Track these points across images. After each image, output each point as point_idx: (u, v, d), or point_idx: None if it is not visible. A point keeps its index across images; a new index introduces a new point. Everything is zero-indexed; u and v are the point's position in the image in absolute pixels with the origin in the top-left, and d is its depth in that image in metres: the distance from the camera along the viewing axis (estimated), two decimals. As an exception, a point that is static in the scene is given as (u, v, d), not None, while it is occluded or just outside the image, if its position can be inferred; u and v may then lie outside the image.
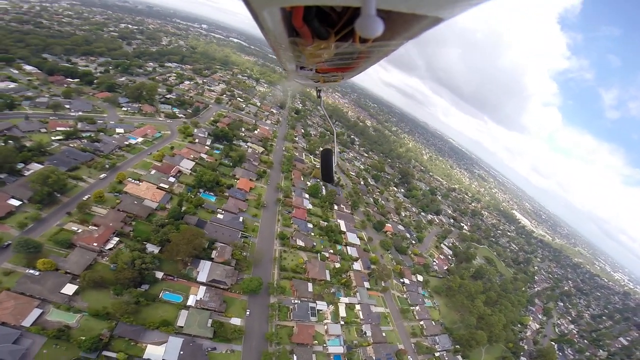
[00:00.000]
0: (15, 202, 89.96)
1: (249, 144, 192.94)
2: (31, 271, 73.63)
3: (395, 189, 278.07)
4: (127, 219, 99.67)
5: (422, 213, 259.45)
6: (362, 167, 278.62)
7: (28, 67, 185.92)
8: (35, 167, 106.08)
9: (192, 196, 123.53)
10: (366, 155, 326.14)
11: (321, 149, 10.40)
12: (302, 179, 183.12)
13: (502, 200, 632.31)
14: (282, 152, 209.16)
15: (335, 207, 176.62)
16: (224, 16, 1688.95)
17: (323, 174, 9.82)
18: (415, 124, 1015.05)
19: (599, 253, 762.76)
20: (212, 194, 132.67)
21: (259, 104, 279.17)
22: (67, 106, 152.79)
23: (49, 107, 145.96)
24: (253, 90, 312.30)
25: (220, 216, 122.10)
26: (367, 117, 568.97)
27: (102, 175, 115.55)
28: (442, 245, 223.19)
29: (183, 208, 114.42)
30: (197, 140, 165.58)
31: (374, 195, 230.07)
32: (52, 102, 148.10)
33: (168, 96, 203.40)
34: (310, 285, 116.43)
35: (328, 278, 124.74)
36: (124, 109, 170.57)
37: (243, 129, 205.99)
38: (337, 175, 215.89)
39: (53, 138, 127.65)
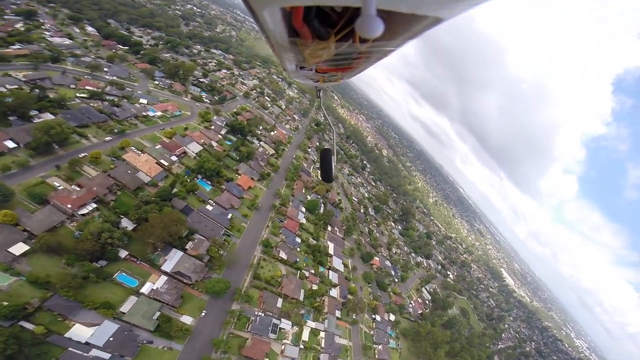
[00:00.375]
0: (10, 144, 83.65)
1: (262, 143, 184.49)
2: (-14, 220, 65.53)
3: (393, 224, 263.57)
4: (114, 187, 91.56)
5: (413, 254, 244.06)
6: (366, 194, 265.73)
7: (90, 29, 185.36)
8: (47, 117, 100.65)
9: (188, 180, 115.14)
10: (373, 184, 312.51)
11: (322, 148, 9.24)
12: (304, 191, 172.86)
13: (493, 257, 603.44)
14: (292, 159, 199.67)
15: (329, 228, 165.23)
16: None
17: (322, 174, 9.12)
18: (430, 164, 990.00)
19: (570, 320, 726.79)
20: (209, 183, 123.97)
21: (283, 106, 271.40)
22: (106, 69, 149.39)
23: (89, 66, 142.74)
24: (282, 92, 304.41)
25: (209, 207, 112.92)
26: (385, 146, 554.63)
27: (108, 138, 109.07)
28: (423, 289, 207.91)
29: (174, 190, 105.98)
30: (212, 127, 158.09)
31: (370, 226, 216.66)
32: (93, 63, 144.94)
33: (202, 80, 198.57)
34: (280, 300, 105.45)
35: (301, 298, 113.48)
36: (156, 82, 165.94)
37: (261, 127, 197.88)
38: (339, 198, 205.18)
39: (77, 95, 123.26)
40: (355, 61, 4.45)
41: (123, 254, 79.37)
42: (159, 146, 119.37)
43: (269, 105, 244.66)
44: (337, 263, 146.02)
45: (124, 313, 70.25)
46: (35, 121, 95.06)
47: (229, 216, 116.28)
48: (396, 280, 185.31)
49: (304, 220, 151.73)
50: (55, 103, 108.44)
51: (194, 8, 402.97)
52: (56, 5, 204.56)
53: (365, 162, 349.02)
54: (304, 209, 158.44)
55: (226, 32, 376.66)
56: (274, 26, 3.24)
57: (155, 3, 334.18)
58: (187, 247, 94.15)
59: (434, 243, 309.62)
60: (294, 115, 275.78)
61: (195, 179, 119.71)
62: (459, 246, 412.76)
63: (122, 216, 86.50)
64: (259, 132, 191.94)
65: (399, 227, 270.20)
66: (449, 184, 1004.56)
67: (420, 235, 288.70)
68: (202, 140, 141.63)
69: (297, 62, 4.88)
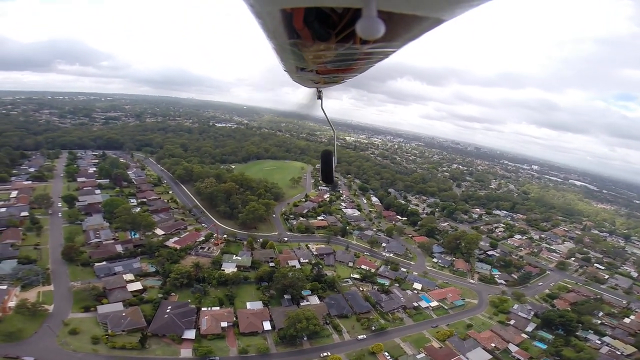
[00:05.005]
0: (267, 326, 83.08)
1: (606, 339, 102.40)
2: None
3: None
4: None
5: None
6: None
7: (374, 199, 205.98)
8: (314, 301, 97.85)
9: None
10: None
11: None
12: None
13: None
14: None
15: None
16: (557, 155, 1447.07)
17: (323, 175, 9.62)
18: None
19: None
20: None
21: (635, 274, 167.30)
22: (384, 244, 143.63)
23: (369, 241, 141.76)
24: (621, 252, 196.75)
25: None
26: None
27: (361, 337, 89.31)
28: None
29: None
30: (512, 322, 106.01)
31: None
32: (373, 238, 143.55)
33: (490, 252, 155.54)
34: None
35: None
36: (434, 259, 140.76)
37: (601, 314, 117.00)
38: None
39: (351, 275, 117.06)
40: (356, 62, 4.55)
41: None
42: (422, 355, 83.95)
43: (606, 276, 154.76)
44: None
45: None
46: (302, 304, 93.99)
47: None
48: None
49: None
50: (327, 284, 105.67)
51: (459, 167, 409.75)
52: (351, 175, 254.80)
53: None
54: None
55: (502, 186, 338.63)
56: (274, 28, 3.30)
57: (424, 167, 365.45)
58: None
59: None
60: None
61: None
62: None
63: None
64: (599, 322, 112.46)
65: None
66: None
67: None
68: (493, 344, 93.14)
69: (298, 64, 4.93)
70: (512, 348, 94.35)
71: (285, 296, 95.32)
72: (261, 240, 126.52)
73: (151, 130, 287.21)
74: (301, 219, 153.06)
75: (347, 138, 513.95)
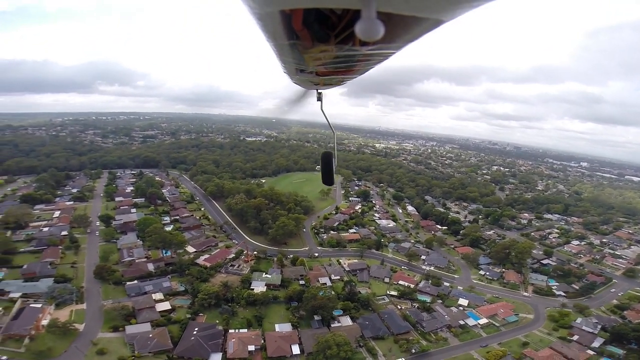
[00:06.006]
0: (295, 350, 77.00)
1: None
2: None
3: None
4: None
5: None
6: None
7: (410, 208, 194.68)
8: (346, 322, 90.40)
9: None
10: None
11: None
12: None
13: None
14: None
15: None
16: (607, 150, 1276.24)
17: (323, 177, 9.70)
18: None
19: None
20: None
21: None
22: (423, 257, 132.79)
23: (407, 254, 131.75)
24: None
25: None
26: None
27: None
28: None
29: None
30: (575, 337, 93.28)
31: None
32: (410, 251, 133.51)
33: (545, 261, 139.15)
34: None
35: None
36: (481, 272, 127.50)
37: None
38: None
39: (388, 292, 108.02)
40: (355, 64, 4.57)
41: None
42: None
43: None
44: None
45: None
46: (333, 325, 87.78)
47: None
48: None
49: None
50: (361, 303, 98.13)
51: (501, 169, 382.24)
52: (383, 184, 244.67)
53: None
54: None
55: (551, 187, 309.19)
56: (274, 29, 3.30)
57: (462, 171, 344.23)
58: None
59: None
60: None
61: None
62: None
63: None
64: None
65: None
66: None
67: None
68: None
69: (297, 65, 4.94)
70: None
71: (316, 317, 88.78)
72: (291, 256, 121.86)
73: (185, 148, 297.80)
74: (332, 232, 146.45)
75: (377, 145, 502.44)
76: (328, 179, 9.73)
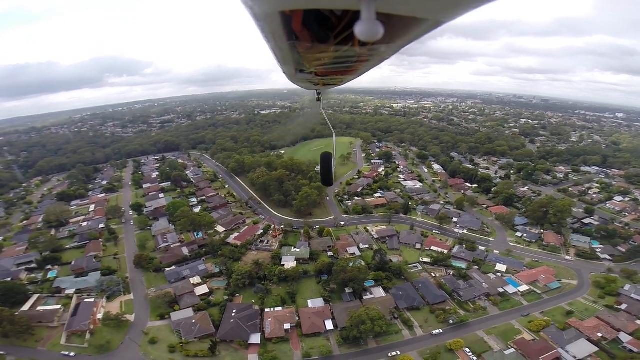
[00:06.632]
0: (329, 325, 74.70)
1: None
2: None
3: None
4: None
5: None
6: None
7: (436, 167, 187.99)
8: (379, 292, 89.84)
9: None
10: None
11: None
12: None
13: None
14: None
15: None
16: None
17: (322, 178, 9.72)
18: None
19: None
20: None
21: None
22: (455, 220, 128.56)
23: (437, 218, 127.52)
24: None
25: None
26: None
27: (436, 331, 79.58)
28: None
29: None
30: (623, 306, 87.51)
31: None
32: (441, 214, 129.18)
33: (586, 220, 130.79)
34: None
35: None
36: (518, 234, 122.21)
37: None
38: None
39: (420, 259, 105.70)
40: (355, 64, 4.60)
41: None
42: (511, 350, 72.51)
43: None
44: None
45: None
46: (365, 297, 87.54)
47: None
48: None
49: None
50: (393, 272, 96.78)
51: (529, 121, 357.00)
52: (405, 144, 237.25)
53: None
54: None
55: (586, 138, 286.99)
56: (273, 30, 3.32)
57: (487, 126, 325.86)
58: None
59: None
60: None
61: None
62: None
63: None
64: None
65: None
66: None
67: None
68: (600, 334, 77.69)
69: (297, 66, 4.95)
70: (624, 337, 77.26)
71: (347, 290, 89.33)
72: (317, 227, 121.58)
73: (203, 128, 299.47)
74: (356, 198, 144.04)
75: (395, 105, 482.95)
76: (327, 180, 9.59)
